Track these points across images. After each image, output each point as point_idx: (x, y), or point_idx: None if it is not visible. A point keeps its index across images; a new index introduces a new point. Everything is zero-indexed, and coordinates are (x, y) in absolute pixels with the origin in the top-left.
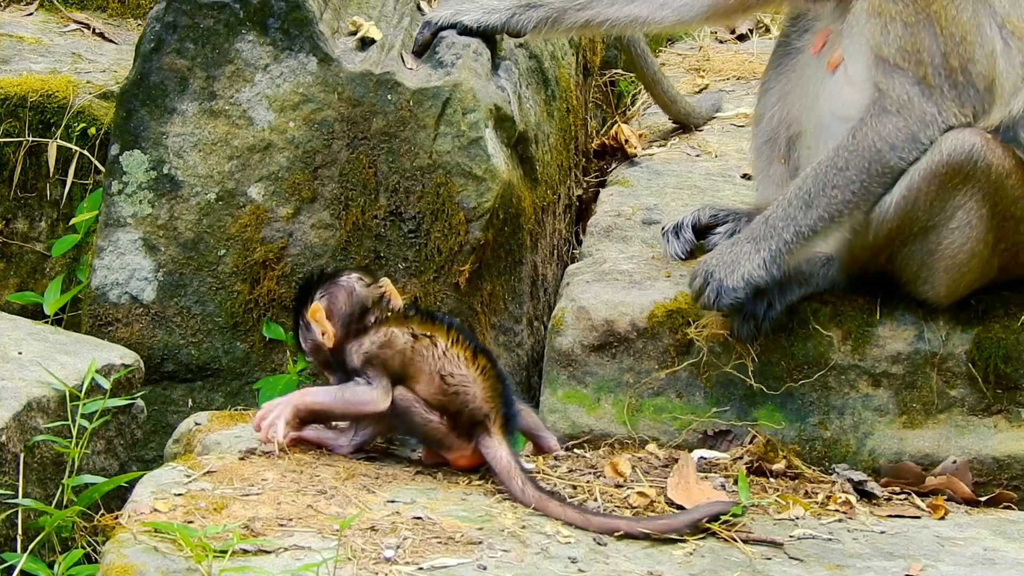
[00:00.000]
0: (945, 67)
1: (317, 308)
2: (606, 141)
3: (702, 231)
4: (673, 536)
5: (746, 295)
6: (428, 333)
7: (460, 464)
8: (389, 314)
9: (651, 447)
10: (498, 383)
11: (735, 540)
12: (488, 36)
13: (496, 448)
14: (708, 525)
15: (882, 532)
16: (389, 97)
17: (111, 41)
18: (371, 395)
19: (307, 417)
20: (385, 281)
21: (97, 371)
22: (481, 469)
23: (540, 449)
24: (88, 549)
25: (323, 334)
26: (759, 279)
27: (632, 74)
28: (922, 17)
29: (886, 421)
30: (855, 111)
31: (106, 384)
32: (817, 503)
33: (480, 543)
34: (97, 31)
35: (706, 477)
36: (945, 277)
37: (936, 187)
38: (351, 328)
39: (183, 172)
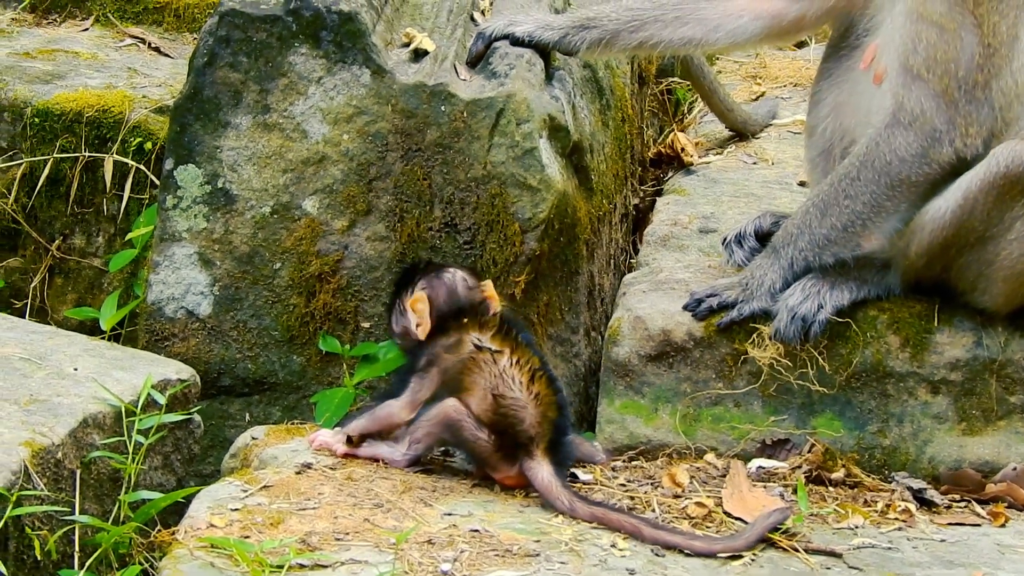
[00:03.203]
0: (970, 80)
1: (420, 298)
2: (662, 150)
3: (764, 238)
4: (745, 551)
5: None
6: (494, 347)
7: (507, 484)
8: (466, 320)
9: (709, 457)
10: (553, 411)
11: (795, 550)
12: (540, 49)
13: (536, 468)
14: (768, 535)
15: (942, 540)
16: (443, 108)
17: (167, 55)
18: (393, 408)
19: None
20: (487, 284)
21: (153, 386)
22: (529, 489)
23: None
24: (145, 565)
25: (418, 325)
26: (780, 289)
27: (688, 82)
28: (966, 21)
29: (945, 428)
30: None
31: (162, 399)
32: (877, 512)
33: (537, 555)
34: (153, 45)
35: (764, 486)
36: (1004, 287)
37: (994, 198)
38: (443, 325)
39: (238, 186)
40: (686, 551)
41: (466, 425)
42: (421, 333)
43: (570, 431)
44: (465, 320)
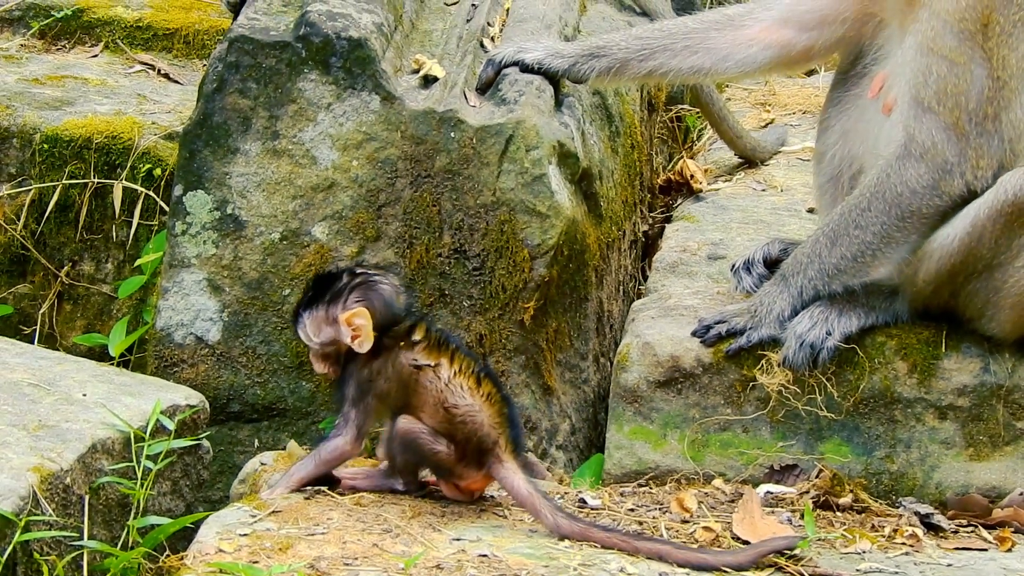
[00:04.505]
0: (980, 112)
1: (359, 312)
2: (672, 176)
3: (772, 264)
4: (736, 571)
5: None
6: (433, 362)
7: (472, 488)
8: (402, 344)
9: (717, 482)
10: (504, 407)
11: (801, 574)
12: (550, 76)
13: (512, 478)
14: (775, 559)
15: (949, 565)
16: (452, 135)
17: (176, 82)
18: (339, 445)
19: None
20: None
21: (162, 412)
22: (489, 493)
23: None
24: None
25: (355, 338)
26: (789, 316)
27: (698, 109)
28: (976, 55)
29: (953, 454)
30: None
31: (171, 425)
32: (884, 536)
33: None
34: (162, 72)
35: (772, 512)
36: (1011, 314)
37: (1002, 226)
38: (377, 343)
39: (247, 212)
40: (673, 561)
41: (423, 439)
42: (361, 347)
43: (520, 422)
44: (402, 345)
